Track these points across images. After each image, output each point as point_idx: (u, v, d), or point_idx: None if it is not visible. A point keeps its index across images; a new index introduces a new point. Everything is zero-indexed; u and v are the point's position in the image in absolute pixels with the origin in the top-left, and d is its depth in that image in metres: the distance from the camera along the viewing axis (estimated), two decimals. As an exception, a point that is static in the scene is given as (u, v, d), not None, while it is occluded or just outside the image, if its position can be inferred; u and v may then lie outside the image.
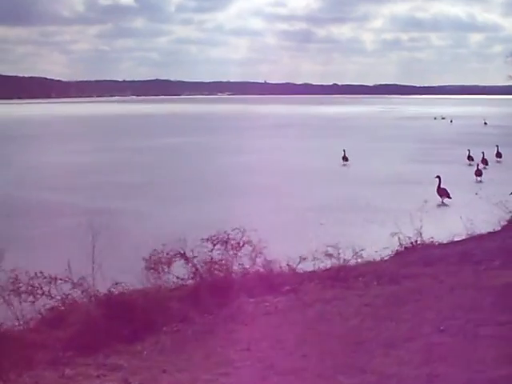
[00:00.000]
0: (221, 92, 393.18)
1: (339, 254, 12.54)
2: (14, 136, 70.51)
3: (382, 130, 74.30)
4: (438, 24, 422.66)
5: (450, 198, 27.62)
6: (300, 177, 35.67)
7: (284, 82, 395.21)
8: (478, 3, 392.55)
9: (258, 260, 11.88)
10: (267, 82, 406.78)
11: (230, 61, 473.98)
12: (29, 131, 79.80)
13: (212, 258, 11.41)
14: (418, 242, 15.94)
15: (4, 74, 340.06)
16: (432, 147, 51.20)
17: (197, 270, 11.21)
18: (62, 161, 45.29)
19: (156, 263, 11.02)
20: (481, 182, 34.49)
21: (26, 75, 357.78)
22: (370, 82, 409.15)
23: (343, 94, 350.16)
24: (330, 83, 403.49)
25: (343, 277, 11.96)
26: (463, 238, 16.53)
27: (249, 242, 11.83)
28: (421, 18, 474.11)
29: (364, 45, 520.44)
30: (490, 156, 41.70)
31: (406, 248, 16.06)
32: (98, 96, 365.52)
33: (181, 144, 58.46)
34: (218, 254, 11.49)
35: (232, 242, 11.60)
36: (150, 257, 11.11)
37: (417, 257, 14.22)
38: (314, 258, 12.63)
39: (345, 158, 42.03)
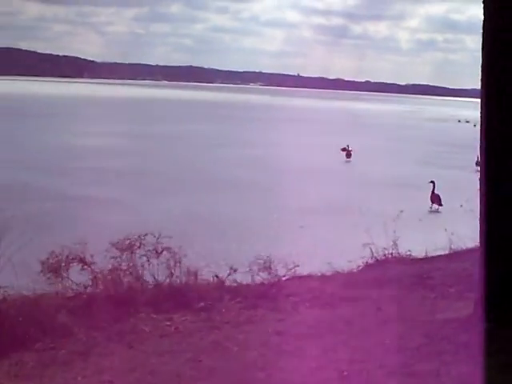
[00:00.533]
0: (253, 82, 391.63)
1: (272, 266, 11.14)
2: (27, 114, 69.68)
3: (401, 130, 72.73)
4: (473, 27, 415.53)
5: (441, 205, 26.34)
6: (296, 174, 34.04)
7: (317, 76, 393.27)
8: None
9: (179, 269, 10.52)
10: (300, 75, 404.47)
11: (263, 52, 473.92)
12: (49, 110, 79.04)
13: (119, 265, 10.02)
14: (393, 255, 14.46)
15: (40, 51, 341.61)
16: (447, 150, 49.60)
17: (95, 277, 9.79)
18: (63, 143, 44.24)
19: (52, 267, 9.67)
20: None
21: (60, 54, 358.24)
22: (402, 81, 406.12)
23: (375, 92, 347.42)
24: (363, 80, 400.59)
25: (273, 295, 10.49)
26: (441, 253, 15.01)
27: (168, 249, 10.47)
28: (456, 19, 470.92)
29: (399, 43, 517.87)
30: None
31: (377, 260, 14.64)
32: (129, 79, 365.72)
33: (191, 131, 57.29)
34: (127, 260, 10.11)
35: (146, 247, 10.22)
36: (48, 259, 9.77)
37: (377, 274, 12.76)
38: (250, 270, 11.25)
39: (348, 155, 41.33)
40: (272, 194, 28.44)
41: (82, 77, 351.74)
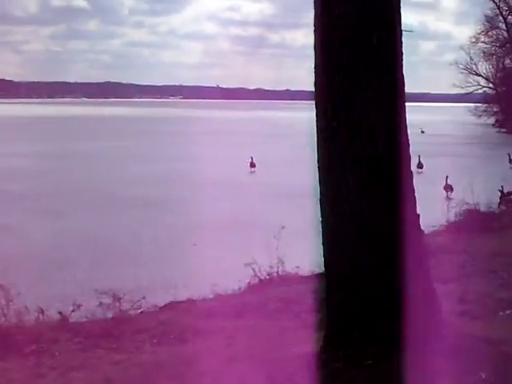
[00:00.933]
0: (173, 96, 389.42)
1: (127, 297, 10.15)
2: None
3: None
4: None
5: None
6: (201, 189, 32.87)
7: (237, 86, 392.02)
8: (430, 12, 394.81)
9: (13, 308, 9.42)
10: (220, 86, 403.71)
11: (183, 65, 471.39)
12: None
13: None
14: (279, 273, 13.77)
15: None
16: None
17: None
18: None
19: None
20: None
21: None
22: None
23: (296, 100, 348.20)
24: (283, 89, 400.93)
25: (120, 331, 9.39)
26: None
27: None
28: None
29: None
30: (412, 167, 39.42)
31: (261, 281, 13.76)
32: (48, 97, 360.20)
33: (98, 149, 55.97)
34: None
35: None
36: None
37: (251, 298, 11.85)
38: (101, 304, 10.19)
39: (252, 165, 41.16)
40: (173, 211, 27.44)
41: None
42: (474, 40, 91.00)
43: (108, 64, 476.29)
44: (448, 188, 31.55)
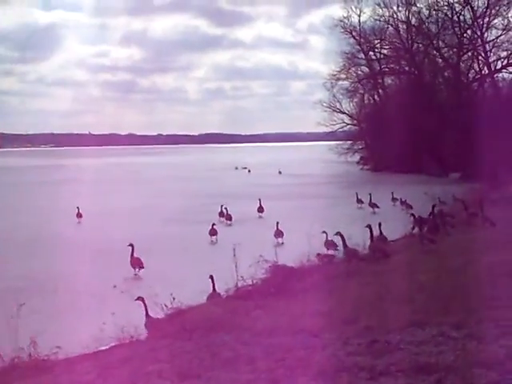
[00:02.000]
0: (44, 144, 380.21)
1: None
2: None
3: (169, 183, 69.08)
4: (260, 72, 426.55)
5: (142, 267, 23.24)
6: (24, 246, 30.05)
7: (108, 132, 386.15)
8: (299, 51, 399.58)
9: None
10: (91, 133, 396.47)
11: (53, 112, 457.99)
12: None
13: None
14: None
15: None
16: (201, 203, 46.20)
17: None
18: None
19: None
20: (215, 242, 30.54)
21: None
22: (195, 132, 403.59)
23: (168, 144, 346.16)
24: (155, 133, 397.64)
25: None
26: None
27: None
28: (242, 66, 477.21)
29: (187, 94, 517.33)
30: (252, 211, 38.84)
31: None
32: None
33: None
34: None
35: None
36: None
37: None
38: None
39: (78, 215, 39.15)
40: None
41: None
42: (334, 78, 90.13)
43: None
44: (279, 234, 29.35)
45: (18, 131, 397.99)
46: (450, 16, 76.06)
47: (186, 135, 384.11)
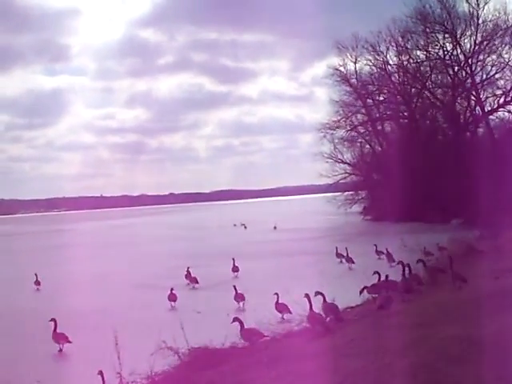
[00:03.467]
0: (57, 208, 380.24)
1: None
2: None
3: (158, 245, 66.51)
4: (268, 127, 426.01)
5: (68, 341, 21.54)
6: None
7: (120, 194, 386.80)
8: (304, 104, 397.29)
9: None
10: (103, 195, 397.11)
11: (63, 176, 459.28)
12: None
13: None
14: None
15: None
16: (179, 265, 42.70)
17: None
18: None
19: None
20: (173, 308, 28.57)
21: None
22: (206, 189, 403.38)
23: (180, 203, 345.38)
24: (166, 193, 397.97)
25: None
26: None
27: None
28: (249, 122, 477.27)
29: (196, 152, 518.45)
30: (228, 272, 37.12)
31: None
32: None
33: None
34: None
35: None
36: None
37: None
38: None
39: (37, 283, 37.69)
40: None
41: None
42: (333, 127, 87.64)
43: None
44: (239, 297, 27.35)
45: (31, 196, 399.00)
46: (441, 56, 73.97)
47: (198, 193, 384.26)
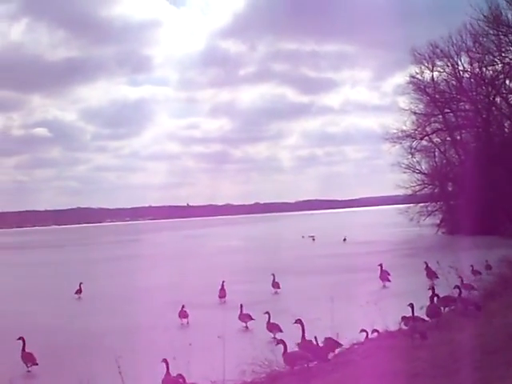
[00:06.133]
0: (142, 217, 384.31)
1: None
2: None
3: (220, 257, 64.94)
4: (352, 137, 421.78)
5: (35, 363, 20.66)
6: None
7: (206, 203, 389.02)
8: (387, 114, 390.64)
9: None
10: (189, 204, 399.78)
11: (149, 186, 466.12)
12: None
13: None
14: None
15: None
16: (230, 280, 40.97)
17: None
18: None
19: None
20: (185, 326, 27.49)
21: None
22: (292, 199, 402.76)
23: (265, 213, 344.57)
24: (252, 202, 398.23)
25: None
26: None
27: None
28: (333, 132, 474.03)
29: (281, 162, 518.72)
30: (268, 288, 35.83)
31: None
32: (18, 227, 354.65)
33: None
34: None
35: None
36: None
37: None
38: None
39: (79, 291, 38.91)
40: None
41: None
42: (410, 137, 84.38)
43: (76, 190, 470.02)
44: (244, 317, 26.45)
45: (117, 205, 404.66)
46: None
47: (284, 203, 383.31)
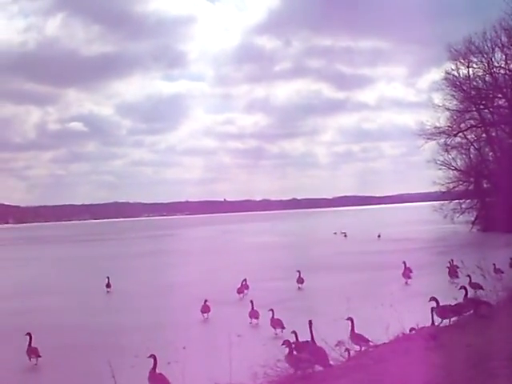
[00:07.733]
0: (179, 212, 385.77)
1: None
2: None
3: (251, 253, 64.80)
4: (388, 133, 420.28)
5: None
6: None
7: (243, 199, 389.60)
8: (423, 110, 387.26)
9: None
10: (227, 200, 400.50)
11: (186, 181, 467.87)
12: None
13: None
14: None
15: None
16: (257, 278, 40.61)
17: None
18: None
19: None
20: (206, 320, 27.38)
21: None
22: (328, 195, 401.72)
23: (302, 209, 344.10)
24: (289, 198, 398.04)
25: None
26: None
27: None
28: (369, 128, 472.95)
29: (317, 158, 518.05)
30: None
31: None
32: (56, 221, 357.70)
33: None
34: None
35: None
36: None
37: None
38: None
39: (108, 285, 39.70)
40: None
41: (8, 222, 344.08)
42: (446, 134, 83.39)
43: (112, 184, 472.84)
44: (254, 314, 26.41)
45: (154, 200, 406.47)
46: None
47: (321, 199, 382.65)
